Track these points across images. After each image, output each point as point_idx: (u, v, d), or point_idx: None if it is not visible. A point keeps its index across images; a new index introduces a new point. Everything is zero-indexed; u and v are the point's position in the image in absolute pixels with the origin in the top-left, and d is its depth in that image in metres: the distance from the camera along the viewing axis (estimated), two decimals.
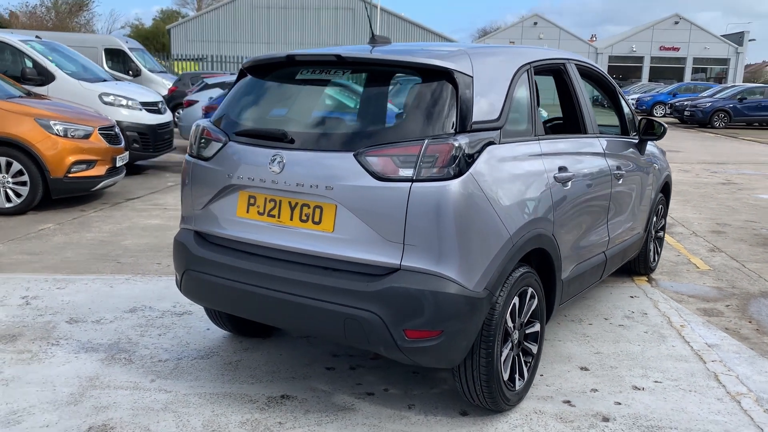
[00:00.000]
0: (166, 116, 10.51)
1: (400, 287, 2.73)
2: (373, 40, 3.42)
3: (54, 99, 8.46)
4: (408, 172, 2.75)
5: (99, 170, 7.67)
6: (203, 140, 3.36)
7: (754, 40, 52.52)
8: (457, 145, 2.75)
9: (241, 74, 3.48)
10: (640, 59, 49.53)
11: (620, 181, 4.27)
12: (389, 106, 3.03)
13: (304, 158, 2.94)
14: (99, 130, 7.74)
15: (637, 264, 5.36)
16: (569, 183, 3.50)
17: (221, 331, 4.10)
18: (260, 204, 3.10)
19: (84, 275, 5.16)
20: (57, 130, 7.32)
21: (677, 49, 48.77)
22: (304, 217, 2.97)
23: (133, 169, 10.22)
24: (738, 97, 26.49)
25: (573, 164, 3.62)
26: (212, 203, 3.27)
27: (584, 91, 4.11)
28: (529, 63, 3.43)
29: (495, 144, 2.95)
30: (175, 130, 11.76)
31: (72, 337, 3.96)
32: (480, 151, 2.86)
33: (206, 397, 3.27)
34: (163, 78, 19.36)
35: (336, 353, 3.81)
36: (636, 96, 34.78)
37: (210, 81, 13.12)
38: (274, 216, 3.06)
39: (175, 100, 16.28)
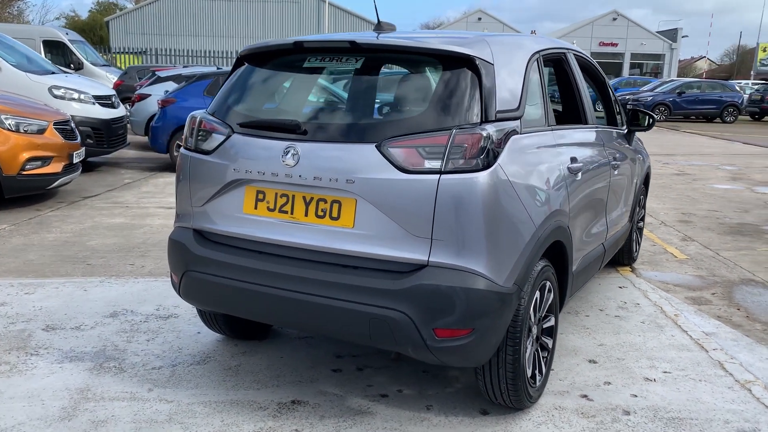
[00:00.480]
0: (120, 110, 10.07)
1: (430, 284, 2.60)
2: (380, 26, 3.27)
3: (2, 92, 7.95)
4: (435, 164, 2.62)
5: (55, 167, 7.25)
6: (202, 132, 3.15)
7: (686, 36, 54.50)
8: (485, 134, 2.64)
9: (239, 62, 3.28)
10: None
11: (616, 172, 4.25)
12: (409, 94, 2.89)
13: (322, 150, 2.77)
14: (54, 124, 7.32)
15: (621, 254, 5.39)
16: (579, 174, 3.44)
17: (213, 335, 3.88)
18: (270, 199, 2.92)
19: (53, 278, 4.83)
20: (8, 124, 6.88)
21: (616, 45, 50.10)
22: (320, 213, 2.81)
23: (85, 167, 9.74)
24: (677, 91, 27.38)
25: (581, 155, 3.57)
26: (214, 199, 3.07)
27: (583, 82, 4.07)
28: (539, 51, 3.35)
29: (518, 134, 2.86)
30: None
31: (52, 345, 3.68)
32: (505, 141, 2.76)
33: (212, 406, 3.07)
34: (107, 72, 18.62)
35: (339, 354, 3.66)
36: None
37: (162, 74, 12.65)
38: (286, 212, 2.88)
39: (122, 95, 15.65)
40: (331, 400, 3.16)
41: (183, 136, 3.31)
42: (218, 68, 11.53)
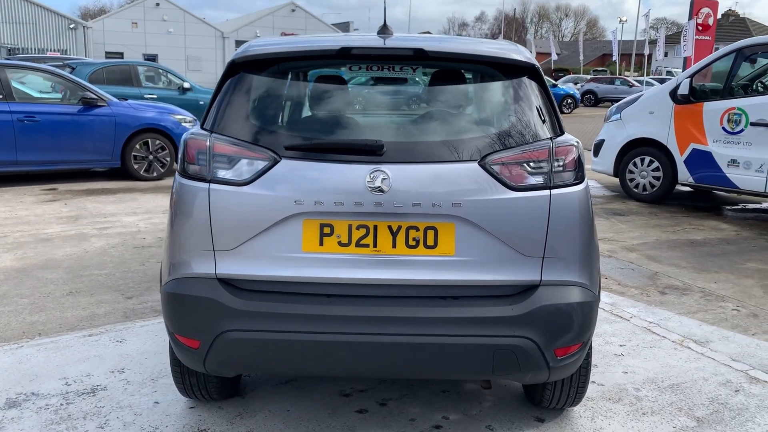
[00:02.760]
0: None
1: (551, 305, 2.51)
2: (386, 29, 2.97)
3: None
4: (539, 179, 2.52)
5: None
6: (220, 158, 2.52)
7: (357, 30, 59.08)
8: (577, 145, 2.63)
9: (249, 66, 2.67)
10: None
11: None
12: (488, 106, 2.70)
13: (417, 172, 2.45)
14: None
15: None
16: None
17: (179, 403, 3.16)
18: (342, 233, 2.49)
19: None
20: None
21: (296, 35, 51.95)
22: (412, 243, 2.49)
23: None
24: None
25: None
26: (256, 239, 2.49)
27: None
28: None
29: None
30: None
31: None
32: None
33: None
34: None
35: (345, 392, 3.29)
36: None
37: None
38: (367, 245, 2.49)
39: None
40: None
41: (182, 162, 2.60)
42: None
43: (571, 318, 2.55)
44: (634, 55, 44.88)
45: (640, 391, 3.40)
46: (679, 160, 8.24)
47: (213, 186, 2.52)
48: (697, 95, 8.16)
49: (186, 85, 14.35)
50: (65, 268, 5.21)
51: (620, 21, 52.05)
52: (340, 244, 2.49)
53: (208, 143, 2.55)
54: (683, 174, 8.23)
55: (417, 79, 2.67)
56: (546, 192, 2.51)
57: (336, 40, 2.72)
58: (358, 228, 2.49)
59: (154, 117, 9.25)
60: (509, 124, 2.60)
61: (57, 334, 3.94)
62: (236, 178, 2.50)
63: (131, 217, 7.06)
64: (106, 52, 43.66)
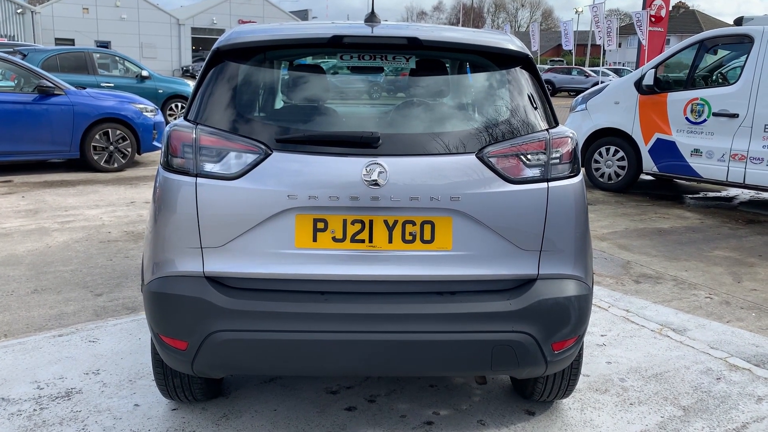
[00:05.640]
0: None
1: (548, 299, 2.48)
2: (373, 17, 2.89)
3: None
4: (536, 172, 2.49)
5: None
6: (207, 151, 2.41)
7: (316, 17, 58.56)
8: (573, 136, 2.60)
9: (231, 55, 2.56)
10: (222, 32, 49.90)
11: None
12: (482, 96, 2.64)
13: (415, 165, 2.38)
14: None
15: None
16: None
17: (161, 405, 3.04)
18: (336, 228, 2.41)
19: None
20: None
21: (254, 23, 51.20)
22: (408, 237, 2.43)
23: None
24: None
25: None
26: (247, 235, 2.40)
27: None
28: None
29: None
30: None
31: None
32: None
33: None
34: None
35: (331, 389, 3.22)
36: None
37: None
38: (362, 241, 2.42)
39: None
40: None
41: (166, 155, 2.48)
42: None
43: (569, 312, 2.53)
44: (589, 46, 45.54)
45: (625, 381, 3.42)
46: (644, 149, 8.36)
47: (200, 180, 2.41)
48: (662, 86, 8.29)
49: (144, 73, 13.96)
50: (28, 265, 4.98)
51: (576, 12, 52.77)
52: (335, 239, 2.42)
53: (194, 135, 2.44)
54: (648, 163, 8.37)
55: (410, 68, 2.59)
56: (544, 185, 2.48)
57: (325, 28, 2.62)
58: (353, 223, 2.41)
59: (115, 106, 8.94)
60: (505, 115, 2.55)
61: (24, 335, 3.76)
62: (225, 172, 2.40)
63: (94, 210, 6.82)
64: (56, 39, 42.28)
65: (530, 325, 2.45)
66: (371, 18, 2.83)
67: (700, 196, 8.94)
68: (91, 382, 3.23)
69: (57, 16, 44.77)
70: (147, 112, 9.30)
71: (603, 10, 37.57)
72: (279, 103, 2.66)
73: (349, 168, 2.36)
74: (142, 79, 13.91)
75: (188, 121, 2.53)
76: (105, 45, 41.49)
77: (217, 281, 2.44)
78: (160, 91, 13.95)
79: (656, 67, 8.33)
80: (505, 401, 3.16)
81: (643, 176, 8.79)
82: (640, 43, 32.56)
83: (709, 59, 8.36)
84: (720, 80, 8.13)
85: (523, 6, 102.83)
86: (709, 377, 3.48)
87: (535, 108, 2.59)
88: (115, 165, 9.03)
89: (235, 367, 2.53)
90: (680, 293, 4.84)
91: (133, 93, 10.37)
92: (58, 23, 44.37)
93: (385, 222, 2.41)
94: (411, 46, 2.53)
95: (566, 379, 2.93)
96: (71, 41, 41.69)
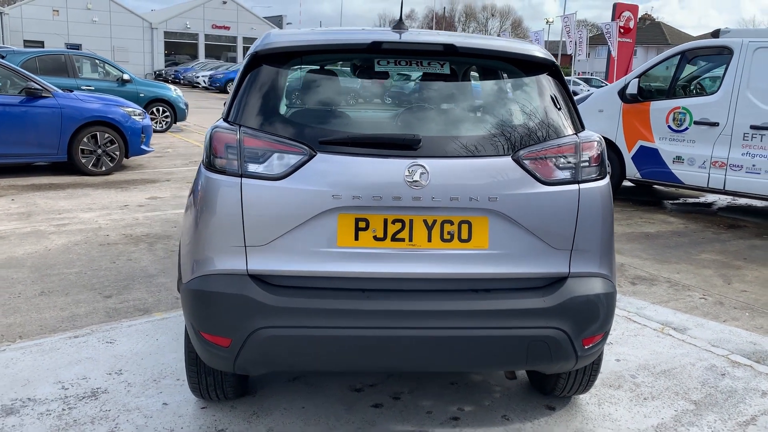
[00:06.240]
0: None
1: (580, 296, 2.59)
2: (401, 24, 2.97)
3: None
4: (566, 174, 2.60)
5: None
6: (254, 153, 2.47)
7: (291, 23, 58.55)
8: (600, 140, 2.72)
9: (271, 59, 2.62)
10: (195, 36, 50.27)
11: None
12: (515, 102, 2.74)
13: (455, 167, 2.47)
14: None
15: None
16: None
17: (191, 404, 3.08)
18: (377, 227, 2.48)
19: None
20: None
21: (228, 28, 51.04)
22: (446, 236, 2.51)
23: None
24: None
25: None
26: (290, 234, 2.46)
27: None
28: None
29: None
30: None
31: None
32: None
33: None
34: None
35: (355, 387, 3.28)
36: (209, 73, 35.34)
37: None
38: (402, 240, 2.49)
39: None
40: None
41: (209, 156, 2.53)
42: None
43: (597, 308, 2.63)
44: (560, 56, 46.33)
45: (636, 377, 3.55)
46: (627, 156, 8.59)
47: (245, 180, 2.46)
48: (645, 95, 8.54)
49: (125, 76, 13.85)
50: (30, 267, 4.94)
51: (547, 22, 53.63)
52: (376, 238, 2.49)
53: (238, 137, 2.49)
54: (631, 169, 8.59)
55: (444, 74, 2.68)
56: (575, 186, 2.59)
57: (362, 34, 2.70)
58: (393, 222, 2.49)
59: (103, 109, 8.87)
60: (536, 119, 2.66)
61: (39, 336, 3.75)
62: (269, 173, 2.45)
63: (88, 213, 6.77)
64: (25, 41, 41.48)
65: (563, 322, 2.55)
66: (399, 25, 2.92)
67: (680, 201, 9.20)
68: (116, 382, 3.24)
69: (26, 17, 43.94)
70: (135, 115, 9.24)
71: (574, 20, 38.37)
72: (318, 106, 2.72)
73: (392, 169, 2.44)
74: (123, 82, 13.79)
75: (228, 122, 2.58)
76: (76, 47, 40.80)
77: (260, 279, 2.50)
78: (141, 95, 13.83)
79: (639, 76, 8.57)
80: (525, 397, 3.26)
81: (624, 182, 9.02)
82: (609, 53, 33.28)
83: (690, 69, 8.64)
84: (701, 90, 8.40)
85: (493, 16, 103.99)
86: (714, 373, 3.63)
87: (564, 113, 2.71)
88: (103, 168, 8.95)
89: (278, 364, 2.58)
90: (676, 294, 5.00)
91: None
92: (28, 25, 43.55)
93: (425, 221, 2.50)
94: (447, 52, 2.63)
95: (587, 375, 3.04)
96: (41, 43, 40.92)
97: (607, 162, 2.73)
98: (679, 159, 8.10)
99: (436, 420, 3.02)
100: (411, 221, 2.49)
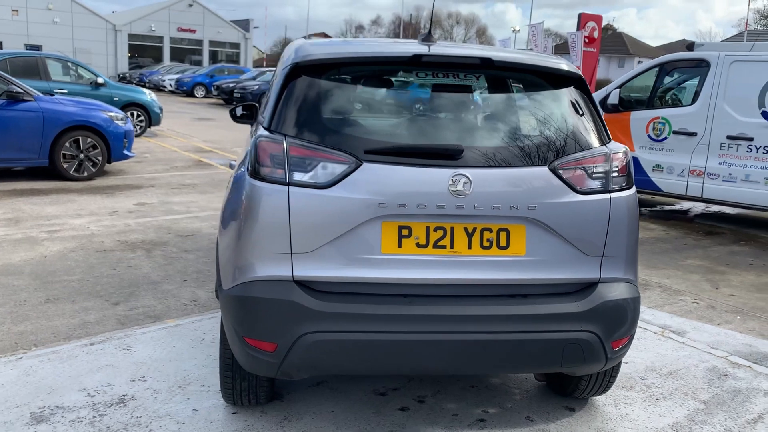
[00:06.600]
0: None
1: (611, 301, 2.70)
2: (429, 37, 3.06)
3: None
4: (599, 183, 2.71)
5: None
6: (300, 162, 2.52)
7: (258, 27, 58.25)
8: (626, 152, 2.84)
9: (311, 70, 2.68)
10: (160, 39, 49.61)
11: None
12: (547, 113, 2.84)
13: (496, 176, 2.56)
14: None
15: None
16: None
17: (221, 409, 3.10)
18: (420, 235, 2.56)
19: None
20: None
21: (194, 31, 50.53)
22: (486, 244, 2.60)
23: None
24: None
25: None
26: (336, 241, 2.52)
27: None
28: None
29: None
30: None
31: None
32: None
33: None
34: None
35: (379, 390, 3.34)
36: (175, 77, 34.90)
37: None
38: (444, 247, 2.57)
39: None
40: None
41: (254, 165, 2.57)
42: None
43: (626, 312, 2.75)
44: None
45: (646, 379, 3.68)
46: None
47: (292, 189, 2.51)
48: (625, 105, 8.79)
49: (99, 80, 13.63)
50: (30, 274, 4.87)
51: (513, 31, 54.42)
52: (418, 245, 2.56)
53: (284, 146, 2.54)
54: None
55: (480, 86, 2.78)
56: (606, 195, 2.70)
57: (399, 46, 2.78)
58: (435, 230, 2.57)
59: (85, 114, 8.74)
60: (568, 130, 2.77)
61: (54, 344, 3.72)
62: (316, 182, 2.51)
63: (77, 219, 6.67)
64: None
65: (595, 325, 2.66)
66: (428, 38, 3.01)
67: (657, 209, 9.48)
68: (141, 389, 3.24)
69: None
70: (118, 120, 9.13)
71: (541, 29, 39.12)
72: (359, 116, 2.79)
73: (436, 178, 2.52)
74: (97, 86, 13.57)
75: (271, 131, 2.63)
76: (36, 48, 39.90)
77: (305, 285, 2.54)
78: (116, 99, 13.63)
79: (620, 86, 8.82)
80: (544, 399, 3.36)
81: None
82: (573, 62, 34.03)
83: (668, 81, 8.93)
84: (679, 101, 8.69)
85: (458, 23, 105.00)
86: (717, 374, 3.79)
87: (592, 124, 2.82)
88: (85, 174, 8.82)
89: (322, 368, 2.63)
90: (669, 299, 5.19)
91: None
92: None
93: (465, 229, 2.58)
94: (483, 65, 2.73)
95: (608, 377, 3.16)
96: None
97: (632, 172, 2.85)
98: (658, 167, 8.36)
99: (463, 422, 3.10)
100: (452, 229, 2.57)
